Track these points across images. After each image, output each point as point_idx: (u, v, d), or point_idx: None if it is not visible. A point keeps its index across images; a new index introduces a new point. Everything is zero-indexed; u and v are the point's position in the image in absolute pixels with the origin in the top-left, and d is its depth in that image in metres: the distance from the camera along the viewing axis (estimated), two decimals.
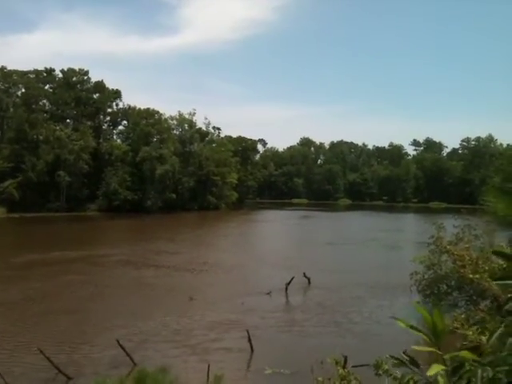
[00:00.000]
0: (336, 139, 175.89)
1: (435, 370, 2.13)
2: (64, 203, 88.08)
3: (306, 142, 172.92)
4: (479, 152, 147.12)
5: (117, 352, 18.22)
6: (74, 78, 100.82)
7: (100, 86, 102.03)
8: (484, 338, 2.39)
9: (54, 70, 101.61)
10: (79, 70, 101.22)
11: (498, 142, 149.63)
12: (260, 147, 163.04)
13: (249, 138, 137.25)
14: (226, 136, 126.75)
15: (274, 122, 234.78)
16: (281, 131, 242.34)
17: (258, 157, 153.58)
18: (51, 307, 25.59)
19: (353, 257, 45.13)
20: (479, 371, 2.09)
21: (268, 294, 29.40)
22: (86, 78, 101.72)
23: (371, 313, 26.01)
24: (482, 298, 19.74)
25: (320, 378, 9.16)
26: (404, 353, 2.47)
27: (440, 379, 2.20)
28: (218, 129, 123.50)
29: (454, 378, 2.17)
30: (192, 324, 23.47)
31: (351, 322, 24.66)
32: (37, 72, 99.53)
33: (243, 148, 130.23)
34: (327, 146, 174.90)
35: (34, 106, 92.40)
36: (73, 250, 44.21)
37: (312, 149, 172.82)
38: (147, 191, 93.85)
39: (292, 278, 30.40)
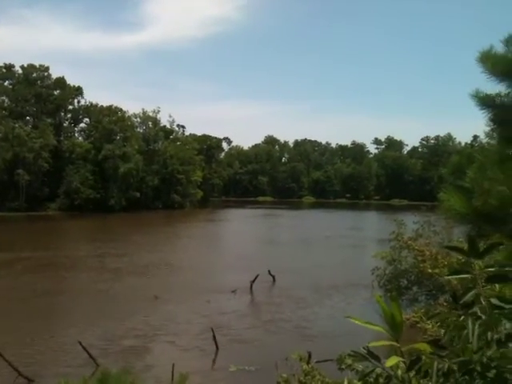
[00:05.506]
0: (300, 137, 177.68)
1: (393, 361, 2.18)
2: (23, 202, 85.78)
3: (270, 141, 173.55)
4: (438, 150, 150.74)
5: (78, 354, 17.94)
6: (34, 74, 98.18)
7: (61, 83, 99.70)
8: (443, 331, 2.47)
9: (13, 66, 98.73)
10: (39, 66, 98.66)
11: (457, 140, 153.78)
12: (225, 145, 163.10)
13: (213, 136, 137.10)
14: (190, 134, 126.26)
15: (239, 120, 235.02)
16: (245, 129, 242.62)
17: (222, 155, 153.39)
18: None
19: (315, 255, 45.48)
20: (435, 364, 2.16)
21: (233, 292, 29.39)
22: (46, 74, 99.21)
23: (334, 309, 26.33)
24: (441, 293, 20.27)
25: (284, 374, 9.26)
26: (365, 348, 2.52)
27: (399, 373, 2.27)
28: (183, 127, 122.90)
29: (412, 372, 2.23)
30: (156, 323, 23.26)
31: (315, 318, 24.93)
32: None
33: (208, 146, 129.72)
34: (291, 145, 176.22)
35: None
36: (22, 252, 42.28)
37: (276, 147, 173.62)
38: (110, 190, 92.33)
39: (257, 276, 30.49)
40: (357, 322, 2.40)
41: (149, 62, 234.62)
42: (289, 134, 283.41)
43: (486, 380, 2.09)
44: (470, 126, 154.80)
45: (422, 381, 2.23)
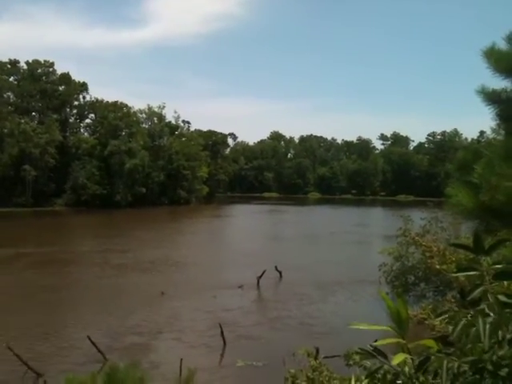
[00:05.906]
0: (305, 133, 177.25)
1: (399, 358, 2.17)
2: (30, 198, 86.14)
3: (276, 136, 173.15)
4: (444, 146, 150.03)
5: (86, 349, 18.04)
6: (39, 70, 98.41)
7: (66, 78, 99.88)
8: (451, 328, 2.45)
9: (18, 62, 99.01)
10: (44, 61, 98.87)
11: (464, 136, 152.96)
12: (230, 141, 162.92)
13: (219, 131, 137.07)
14: (195, 130, 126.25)
15: (244, 117, 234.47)
16: (251, 125, 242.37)
17: (228, 151, 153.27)
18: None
19: (321, 251, 45.49)
20: (445, 363, 2.14)
21: (240, 287, 29.44)
22: (51, 69, 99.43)
23: (341, 306, 26.36)
24: (449, 289, 20.18)
25: (292, 370, 9.25)
26: (372, 345, 2.51)
27: (406, 370, 2.26)
28: (188, 122, 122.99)
29: (421, 372, 2.22)
30: (162, 319, 23.34)
31: (321, 315, 24.93)
32: (0, 64, 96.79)
33: (213, 142, 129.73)
34: (297, 140, 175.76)
35: None
36: (28, 247, 42.38)
37: (282, 143, 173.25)
38: (116, 186, 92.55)
39: (264, 272, 30.51)
40: (361, 327, 2.39)
41: (151, 58, 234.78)
42: (293, 131, 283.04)
43: (497, 379, 2.07)
44: (476, 122, 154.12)
45: (429, 378, 2.22)
